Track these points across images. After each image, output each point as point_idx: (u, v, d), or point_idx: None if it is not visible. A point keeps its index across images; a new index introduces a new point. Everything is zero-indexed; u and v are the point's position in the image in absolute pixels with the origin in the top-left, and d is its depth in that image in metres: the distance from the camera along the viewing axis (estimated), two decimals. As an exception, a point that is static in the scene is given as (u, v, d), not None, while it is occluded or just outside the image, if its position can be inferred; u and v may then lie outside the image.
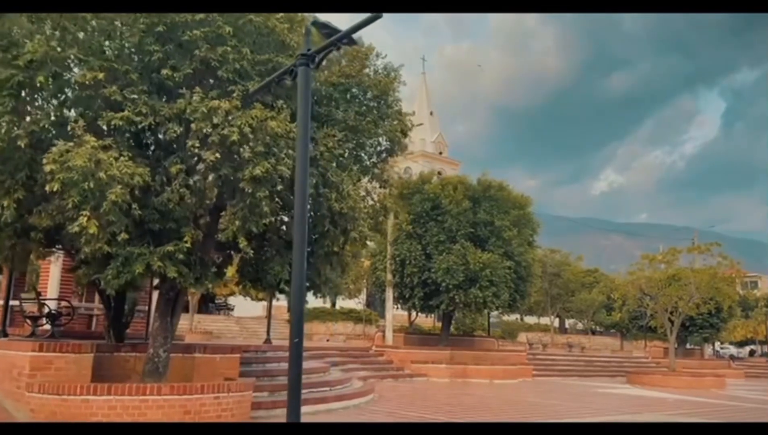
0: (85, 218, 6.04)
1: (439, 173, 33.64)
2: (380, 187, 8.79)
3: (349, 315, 38.27)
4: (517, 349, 28.87)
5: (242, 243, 7.05)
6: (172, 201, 6.90)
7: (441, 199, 22.78)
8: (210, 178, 7.25)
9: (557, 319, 53.82)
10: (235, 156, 6.74)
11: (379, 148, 9.29)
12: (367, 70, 8.61)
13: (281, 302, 40.24)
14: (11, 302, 11.08)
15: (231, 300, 42.55)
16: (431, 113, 64.62)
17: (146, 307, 14.59)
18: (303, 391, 11.15)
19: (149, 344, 8.23)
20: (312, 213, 7.98)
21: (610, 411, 13.27)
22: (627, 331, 45.85)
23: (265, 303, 39.08)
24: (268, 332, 16.08)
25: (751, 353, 55.51)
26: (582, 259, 47.80)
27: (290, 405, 3.90)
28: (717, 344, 50.66)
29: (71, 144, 6.07)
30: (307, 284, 9.48)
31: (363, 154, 8.97)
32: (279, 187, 6.95)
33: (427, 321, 37.17)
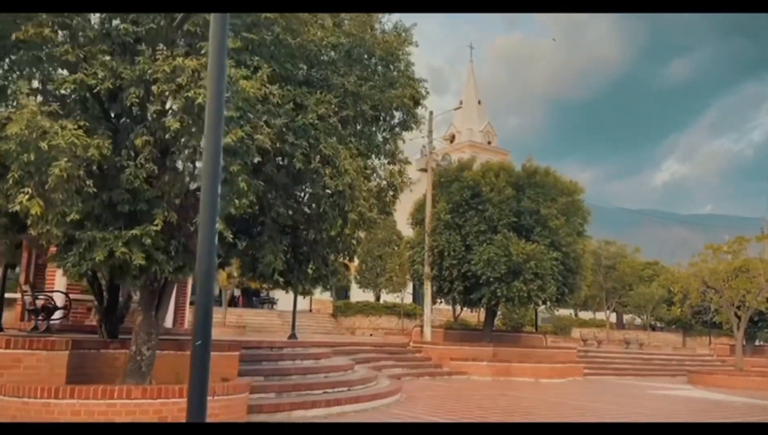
0: (26, 196, 5.25)
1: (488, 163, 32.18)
2: (389, 163, 7.68)
3: (393, 309, 37.26)
4: (566, 345, 27.21)
5: (219, 226, 6.10)
6: (138, 178, 6.04)
7: (481, 187, 21.45)
8: (186, 152, 6.36)
9: (614, 314, 51.28)
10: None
11: (392, 121, 8.20)
12: (374, 31, 7.53)
13: (324, 296, 39.86)
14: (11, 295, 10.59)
15: (276, 294, 42.35)
16: (479, 102, 62.76)
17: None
18: (316, 392, 10.27)
19: (132, 341, 7.45)
20: (305, 192, 6.98)
21: (663, 418, 11.76)
22: (690, 326, 43.11)
23: (314, 296, 38.75)
24: (293, 327, 15.25)
25: (830, 352, 51.29)
26: (640, 250, 45.26)
27: (191, 408, 2.90)
28: (791, 342, 46.96)
29: (12, 110, 5.29)
30: (314, 275, 8.56)
31: (373, 128, 7.89)
32: (257, 160, 5.97)
33: (472, 316, 35.81)
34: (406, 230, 27.88)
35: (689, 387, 20.39)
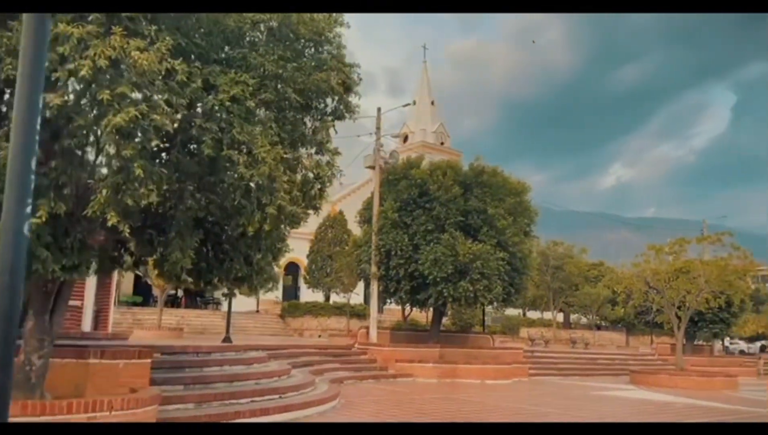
0: None
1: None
2: (316, 153, 7.05)
3: (343, 310, 36.61)
4: (513, 346, 27.15)
5: (112, 219, 5.36)
6: (17, 162, 5.22)
7: (429, 185, 21.05)
8: (81, 134, 5.58)
9: (561, 314, 52.03)
10: (94, 100, 5.05)
11: (324, 109, 7.57)
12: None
13: (271, 296, 38.79)
14: None
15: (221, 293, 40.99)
16: (432, 103, 62.72)
17: (80, 302, 12.99)
18: (242, 401, 9.50)
19: (21, 349, 6.58)
20: (218, 182, 6.28)
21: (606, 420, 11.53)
22: (633, 326, 44.02)
23: (263, 296, 37.64)
24: (227, 329, 14.40)
25: (762, 349, 53.45)
26: (586, 251, 45.98)
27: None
28: (727, 340, 48.71)
29: None
30: (239, 275, 7.85)
31: (300, 115, 7.24)
32: (155, 143, 5.26)
33: (423, 316, 35.50)
34: (358, 229, 27.33)
35: (632, 387, 20.52)
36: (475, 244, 20.02)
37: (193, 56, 6.08)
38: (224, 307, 39.66)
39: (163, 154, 6.21)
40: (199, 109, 5.77)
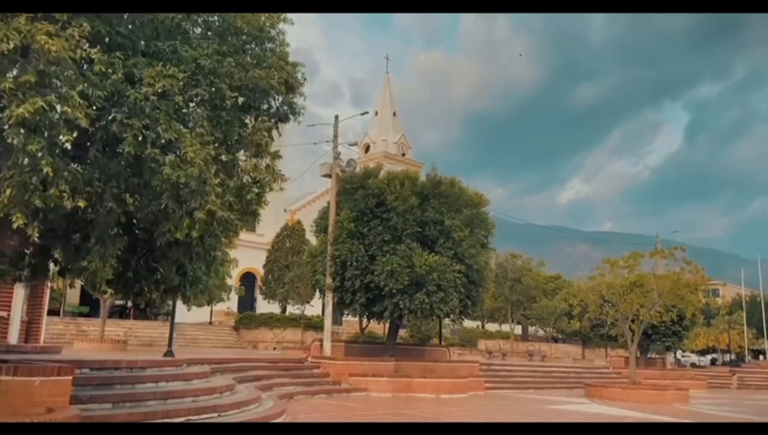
0: None
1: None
2: (254, 155, 6.61)
3: (300, 322, 35.92)
4: (469, 359, 26.97)
5: (18, 221, 4.82)
6: None
7: (386, 195, 20.74)
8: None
9: (519, 326, 52.38)
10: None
11: (266, 109, 7.16)
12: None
13: (223, 306, 37.78)
14: None
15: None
16: (394, 114, 62.75)
17: (5, 313, 12.15)
18: (177, 419, 8.97)
19: None
20: (144, 184, 5.79)
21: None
22: (588, 339, 44.58)
23: (217, 307, 36.56)
24: (169, 343, 13.68)
25: (713, 362, 54.87)
26: (544, 264, 46.49)
27: None
28: (679, 353, 49.77)
29: None
30: (171, 285, 7.32)
31: (242, 115, 6.81)
32: (66, 139, 4.76)
33: (380, 327, 35.08)
34: (315, 239, 26.80)
35: (586, 401, 20.51)
36: (431, 255, 19.78)
37: (115, 45, 5.58)
38: (177, 317, 38.48)
39: (82, 153, 5.70)
40: (118, 102, 5.28)
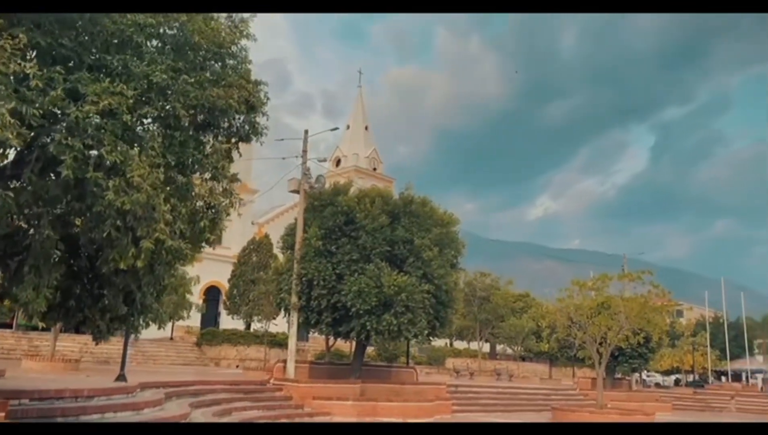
0: None
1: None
2: (210, 178, 6.16)
3: (264, 339, 35.08)
4: (437, 381, 26.57)
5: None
6: None
7: (356, 213, 20.34)
8: None
9: (487, 344, 52.22)
10: None
11: (227, 129, 6.72)
12: (197, 16, 6.04)
13: (188, 322, 36.72)
14: None
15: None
16: (366, 128, 62.59)
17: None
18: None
19: None
20: (86, 209, 5.30)
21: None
22: (556, 358, 44.62)
23: (178, 323, 35.49)
24: (122, 366, 12.95)
25: (677, 382, 55.58)
26: (512, 283, 46.45)
27: None
28: (644, 372, 50.27)
29: None
30: (117, 314, 6.79)
31: (199, 135, 6.37)
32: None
33: (348, 345, 34.49)
34: (282, 255, 26.19)
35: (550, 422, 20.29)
36: (400, 275, 19.40)
37: (59, 59, 5.11)
38: (146, 328, 37.23)
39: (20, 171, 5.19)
40: (57, 120, 4.81)
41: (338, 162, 60.47)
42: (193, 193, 6.03)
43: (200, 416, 12.52)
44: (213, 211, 6.13)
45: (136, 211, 5.04)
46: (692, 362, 53.33)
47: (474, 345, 50.23)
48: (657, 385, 52.37)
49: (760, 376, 52.86)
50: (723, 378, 54.32)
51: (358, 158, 59.24)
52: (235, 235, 43.62)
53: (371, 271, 19.33)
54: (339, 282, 19.75)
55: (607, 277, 24.59)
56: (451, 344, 52.02)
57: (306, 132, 21.94)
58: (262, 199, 47.34)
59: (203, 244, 6.39)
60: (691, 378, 54.62)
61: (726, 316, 54.27)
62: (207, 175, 6.20)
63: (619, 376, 36.84)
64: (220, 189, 6.20)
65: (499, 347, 54.19)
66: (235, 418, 14.67)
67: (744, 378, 53.73)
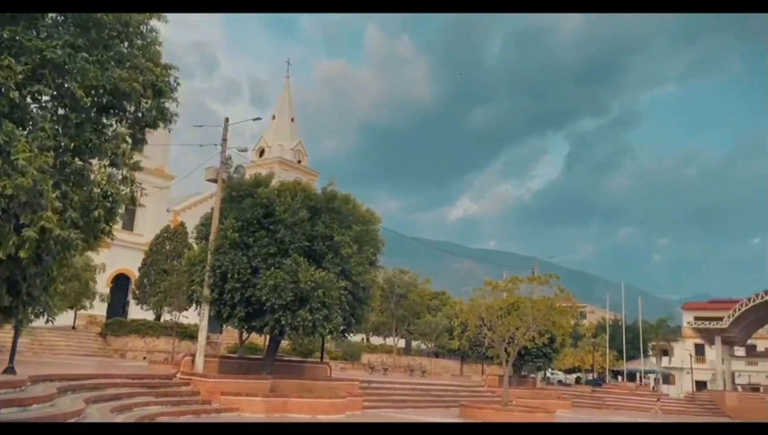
0: None
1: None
2: (108, 165, 5.79)
3: (175, 330, 33.82)
4: (350, 377, 26.63)
5: None
6: None
7: (276, 206, 19.96)
8: None
9: (403, 341, 52.98)
10: None
11: (137, 114, 6.34)
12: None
13: (95, 311, 34.83)
14: None
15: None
16: (293, 120, 61.63)
17: None
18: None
19: None
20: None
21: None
22: (467, 355, 45.93)
23: (81, 311, 33.52)
24: (11, 358, 12.06)
25: (578, 380, 58.59)
26: (430, 281, 47.40)
27: None
28: (548, 370, 52.63)
29: None
30: (3, 305, 6.26)
31: (108, 121, 5.97)
32: None
33: (262, 339, 33.87)
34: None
35: (461, 421, 20.82)
36: (318, 271, 19.24)
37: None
38: (35, 321, 34.86)
39: None
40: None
41: (262, 152, 59.27)
42: (90, 180, 5.64)
43: (96, 413, 11.87)
44: (110, 200, 5.75)
45: (20, 197, 4.65)
46: (592, 362, 56.43)
47: (390, 341, 50.82)
48: (560, 382, 55.05)
49: (652, 376, 56.74)
50: (619, 377, 57.80)
51: (283, 150, 58.30)
52: (149, 221, 41.83)
53: (288, 266, 19.05)
54: (254, 276, 19.34)
55: (518, 280, 25.55)
56: (367, 340, 52.37)
57: (226, 119, 21.28)
58: (180, 186, 45.57)
59: (99, 234, 5.98)
60: (590, 377, 57.76)
61: (624, 318, 57.76)
62: (106, 162, 5.81)
63: (525, 374, 38.37)
64: (120, 176, 5.83)
65: (414, 344, 55.13)
66: (136, 414, 14.04)
67: (638, 378, 57.42)
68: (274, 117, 61.36)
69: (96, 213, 5.54)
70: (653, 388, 52.67)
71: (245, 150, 21.85)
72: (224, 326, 37.26)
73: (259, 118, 20.73)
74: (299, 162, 59.59)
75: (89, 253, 21.99)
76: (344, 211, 21.22)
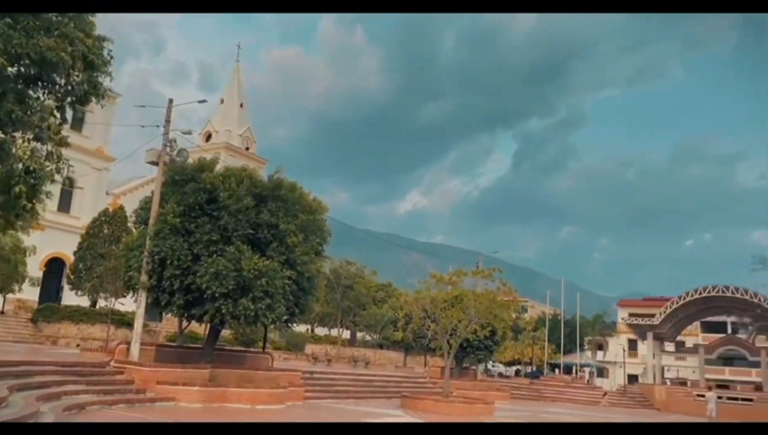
0: None
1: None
2: (32, 139, 5.44)
3: (110, 317, 32.63)
4: (291, 367, 26.39)
5: None
6: None
7: (220, 192, 19.45)
8: None
9: (348, 332, 53.00)
10: None
11: (67, 87, 5.97)
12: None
13: (25, 295, 33.27)
14: None
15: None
16: (242, 105, 60.39)
17: None
18: None
19: None
20: None
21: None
22: (411, 347, 46.37)
23: (10, 295, 31.93)
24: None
25: (517, 372, 60.15)
26: (377, 273, 47.53)
27: None
28: (489, 363, 53.79)
29: None
30: None
31: (35, 92, 5.59)
32: None
33: (203, 328, 33.14)
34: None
35: (401, 413, 20.98)
36: (262, 259, 18.88)
37: None
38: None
39: None
40: None
41: (209, 137, 57.87)
42: (11, 154, 5.28)
43: (21, 401, 11.30)
44: (33, 176, 5.39)
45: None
46: (531, 355, 58.02)
47: (335, 332, 50.73)
48: (500, 374, 56.38)
49: (587, 370, 58.88)
50: (556, 370, 59.68)
51: (231, 135, 57.10)
52: (87, 204, 40.18)
53: (231, 254, 18.62)
54: (195, 263, 18.80)
55: (462, 273, 25.89)
56: (312, 330, 52.10)
57: (170, 100, 20.58)
58: (119, 167, 43.98)
59: (21, 212, 5.62)
60: (529, 369, 59.39)
61: (563, 314, 59.60)
62: (30, 135, 5.46)
63: (466, 365, 39.07)
64: (45, 152, 5.49)
65: (359, 335, 55.24)
66: (64, 402, 13.47)
67: (574, 371, 59.43)
68: (222, 101, 60.00)
69: (17, 189, 5.18)
70: (588, 381, 54.62)
71: (189, 132, 21.15)
72: (164, 314, 36.36)
73: (204, 101, 20.15)
74: (247, 148, 58.53)
75: (19, 234, 20.90)
76: (291, 200, 20.88)
